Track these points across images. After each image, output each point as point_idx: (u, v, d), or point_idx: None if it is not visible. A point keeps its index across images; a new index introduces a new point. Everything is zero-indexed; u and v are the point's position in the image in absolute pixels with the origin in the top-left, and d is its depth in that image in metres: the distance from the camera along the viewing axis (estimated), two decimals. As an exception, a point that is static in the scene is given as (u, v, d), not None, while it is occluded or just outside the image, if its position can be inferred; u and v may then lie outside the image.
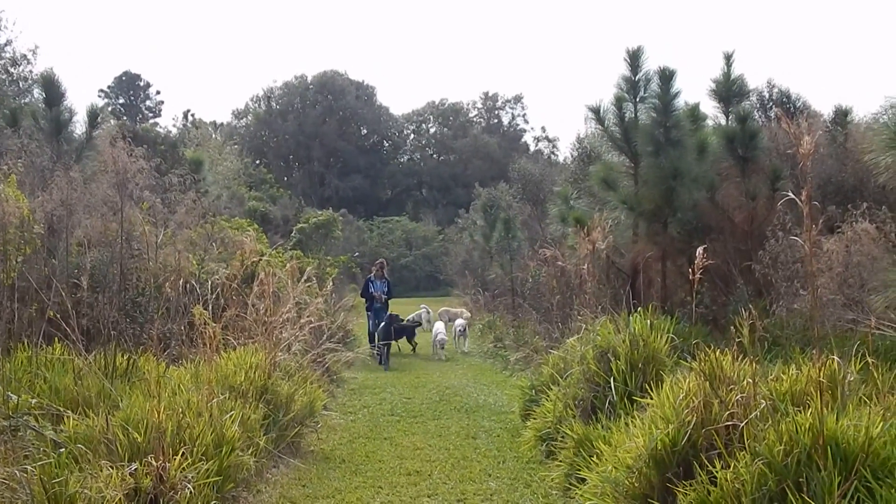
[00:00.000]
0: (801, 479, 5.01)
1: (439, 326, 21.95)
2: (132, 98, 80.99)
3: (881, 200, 11.87)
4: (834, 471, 4.91)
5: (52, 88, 15.87)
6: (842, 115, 16.15)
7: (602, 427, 7.65)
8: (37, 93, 18.42)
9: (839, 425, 5.19)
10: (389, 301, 21.02)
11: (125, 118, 58.53)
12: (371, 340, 20.26)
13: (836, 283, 10.56)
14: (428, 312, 25.84)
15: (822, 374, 5.55)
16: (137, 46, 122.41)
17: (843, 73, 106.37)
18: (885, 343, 8.63)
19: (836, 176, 14.32)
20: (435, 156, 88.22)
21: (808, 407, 5.42)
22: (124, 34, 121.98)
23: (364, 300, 21.37)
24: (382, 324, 19.79)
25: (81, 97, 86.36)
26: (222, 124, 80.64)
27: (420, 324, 23.77)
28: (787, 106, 18.54)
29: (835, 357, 5.95)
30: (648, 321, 8.74)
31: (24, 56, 20.99)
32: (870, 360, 5.87)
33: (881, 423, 5.15)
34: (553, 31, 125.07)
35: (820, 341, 6.02)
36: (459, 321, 23.07)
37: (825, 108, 31.32)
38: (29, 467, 5.41)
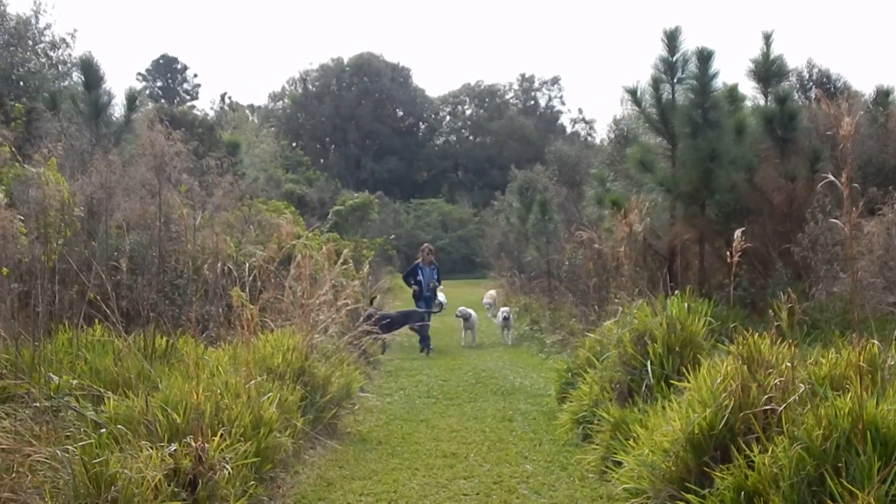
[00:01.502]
0: (839, 464, 4.97)
1: (505, 310, 20.46)
2: (170, 81, 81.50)
3: (923, 182, 11.73)
4: (874, 455, 4.87)
5: (90, 72, 16.02)
6: (883, 95, 15.94)
7: (639, 410, 7.63)
8: (76, 76, 18.61)
9: (879, 410, 5.14)
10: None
11: (163, 101, 58.81)
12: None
13: (877, 266, 10.46)
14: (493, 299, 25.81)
15: (861, 357, 5.49)
16: (175, 29, 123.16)
17: (884, 53, 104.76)
18: (926, 326, 8.53)
19: (877, 157, 14.14)
20: (471, 138, 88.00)
21: (848, 391, 5.37)
22: (162, 17, 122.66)
23: (408, 286, 20.05)
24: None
25: (120, 80, 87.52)
26: (259, 107, 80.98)
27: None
28: (826, 86, 18.30)
29: (875, 341, 5.89)
30: (686, 304, 8.69)
31: (63, 40, 21.07)
32: (911, 343, 5.81)
33: (922, 408, 5.10)
34: (590, 11, 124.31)
35: (860, 325, 5.97)
36: (503, 308, 21.04)
37: (866, 88, 30.97)
38: (70, 447, 5.47)
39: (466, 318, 19.71)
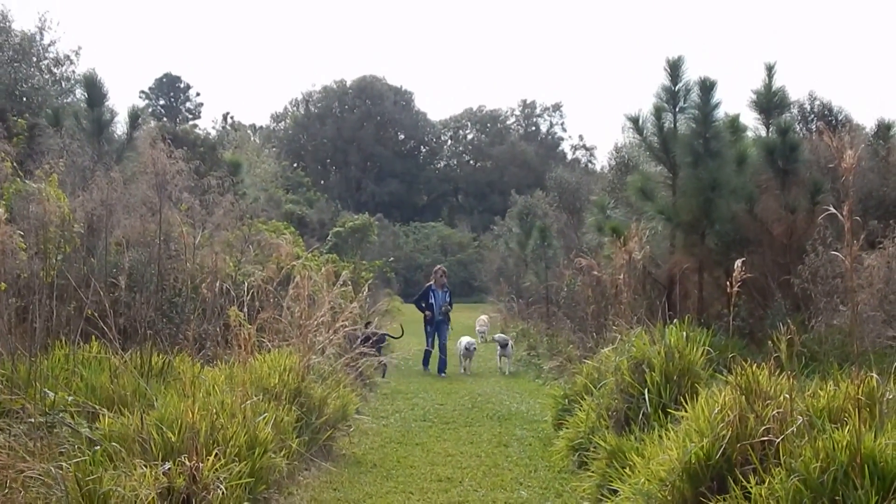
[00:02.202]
0: (837, 497, 4.95)
1: (502, 338, 19.50)
2: (172, 100, 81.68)
3: (924, 216, 11.74)
4: (871, 489, 4.85)
5: (94, 89, 16.05)
6: (884, 129, 15.99)
7: (635, 439, 7.60)
8: (79, 93, 18.65)
9: (877, 443, 5.13)
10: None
11: (165, 119, 59.07)
12: (426, 361, 18.98)
13: (877, 300, 10.45)
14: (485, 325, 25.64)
15: (860, 391, 5.48)
16: (178, 48, 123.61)
17: (885, 87, 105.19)
18: (926, 361, 8.50)
19: (878, 190, 14.17)
20: (471, 162, 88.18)
21: (846, 424, 5.35)
22: (166, 36, 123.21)
23: (420, 311, 19.22)
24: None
25: (123, 98, 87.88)
26: (261, 127, 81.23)
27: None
28: (828, 119, 18.35)
29: (874, 374, 5.87)
30: (684, 333, 8.68)
31: (68, 56, 21.20)
32: (909, 377, 5.79)
33: (920, 443, 5.08)
34: (592, 39, 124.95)
35: (859, 357, 5.95)
36: (499, 336, 20.08)
37: (867, 122, 31.04)
38: (64, 464, 5.46)
39: (504, 345, 18.91)
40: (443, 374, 18.26)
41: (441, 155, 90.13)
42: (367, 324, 17.05)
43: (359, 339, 12.74)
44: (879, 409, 5.76)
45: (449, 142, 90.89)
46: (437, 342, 18.82)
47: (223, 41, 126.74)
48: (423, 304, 19.01)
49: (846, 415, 5.60)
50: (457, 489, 8.28)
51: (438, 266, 21.11)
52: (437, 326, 18.87)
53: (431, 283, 19.33)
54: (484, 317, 25.83)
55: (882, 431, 5.31)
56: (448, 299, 19.13)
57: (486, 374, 18.34)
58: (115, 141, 16.19)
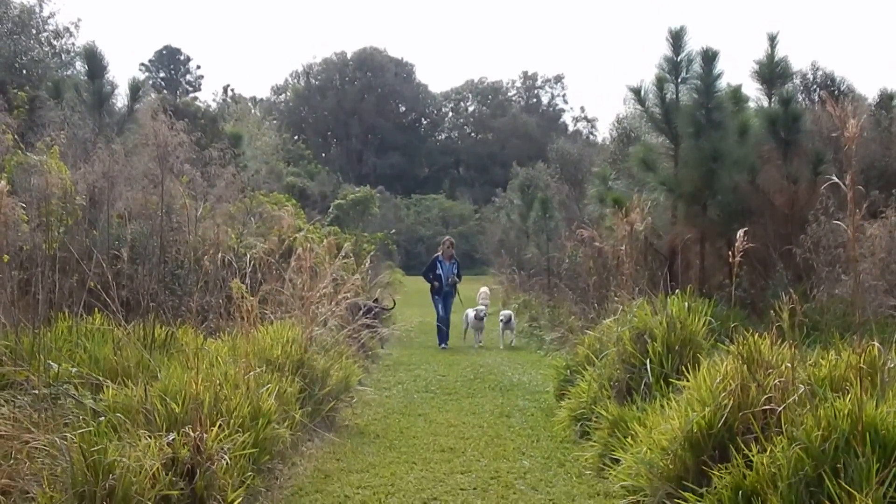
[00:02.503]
0: (838, 465, 4.97)
1: (506, 313, 19.08)
2: (172, 72, 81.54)
3: (926, 186, 11.74)
4: (872, 457, 4.86)
5: (94, 61, 16.04)
6: (887, 99, 15.97)
7: (637, 408, 7.62)
8: (79, 65, 18.61)
9: (878, 412, 5.14)
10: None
11: (165, 92, 58.89)
12: (440, 332, 18.45)
13: (879, 269, 10.46)
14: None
15: (862, 359, 5.49)
16: (178, 21, 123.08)
17: (888, 57, 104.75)
18: (927, 330, 8.53)
19: (880, 160, 14.15)
20: (473, 134, 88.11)
21: (847, 393, 5.36)
22: (165, 8, 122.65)
23: (428, 282, 18.96)
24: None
25: (123, 70, 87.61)
26: (261, 100, 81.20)
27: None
28: (831, 89, 18.31)
29: (875, 343, 5.88)
30: (686, 303, 8.68)
31: (67, 29, 21.09)
32: (911, 346, 5.81)
33: (921, 411, 5.10)
34: (594, 10, 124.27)
35: (861, 327, 5.96)
36: (505, 312, 19.43)
37: (870, 92, 30.95)
38: (69, 435, 5.47)
39: (506, 320, 18.66)
40: (444, 346, 18.18)
41: (442, 127, 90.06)
42: (376, 300, 16.99)
43: (360, 311, 12.74)
44: (881, 378, 5.77)
45: (450, 114, 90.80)
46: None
47: (223, 13, 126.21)
48: (431, 276, 18.84)
49: (848, 383, 5.61)
50: (459, 459, 8.32)
51: (446, 237, 20.78)
52: (444, 298, 18.68)
53: (439, 253, 19.16)
54: (485, 288, 25.65)
55: (883, 400, 5.33)
56: (455, 270, 18.88)
57: (488, 346, 18.35)
58: (116, 113, 16.20)
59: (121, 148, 12.00)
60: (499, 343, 18.63)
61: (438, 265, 18.78)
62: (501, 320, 18.72)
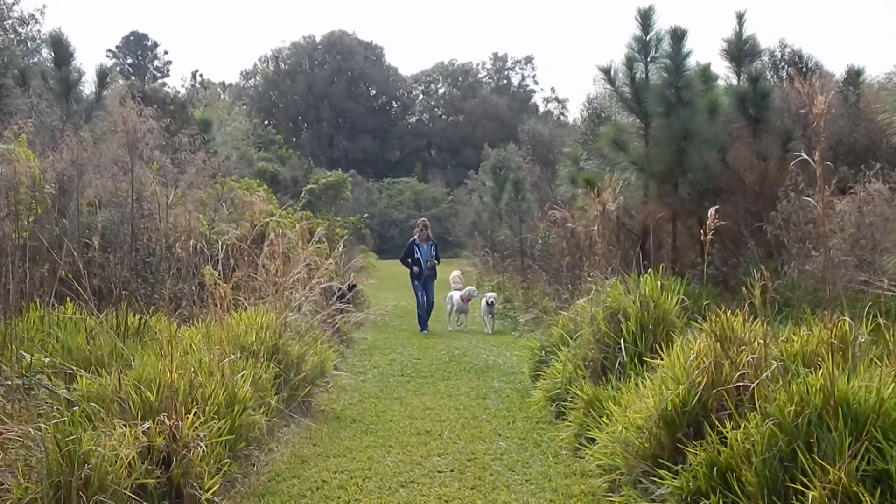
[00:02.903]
0: (811, 440, 5.01)
1: (490, 296, 18.21)
2: (140, 58, 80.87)
3: (894, 161, 11.83)
4: (845, 431, 4.91)
5: (60, 48, 15.88)
6: (854, 76, 16.06)
7: (612, 388, 7.66)
8: (45, 53, 18.34)
9: (850, 386, 5.19)
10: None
11: (133, 78, 58.40)
12: (421, 317, 18.14)
13: (848, 244, 10.54)
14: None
15: (833, 335, 5.54)
16: (145, 6, 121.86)
17: (855, 33, 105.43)
18: (897, 304, 8.61)
19: (849, 136, 14.25)
20: (444, 117, 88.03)
21: (819, 368, 5.41)
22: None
23: (407, 267, 18.44)
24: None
25: (90, 57, 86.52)
26: (231, 85, 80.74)
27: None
28: (799, 66, 18.43)
29: (846, 318, 5.94)
30: (659, 282, 8.72)
31: (32, 16, 20.81)
32: (881, 321, 5.87)
33: (892, 384, 5.14)
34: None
35: (831, 302, 6.00)
36: (489, 294, 18.52)
37: (837, 69, 31.18)
38: (43, 425, 5.43)
39: (491, 303, 17.94)
40: (424, 331, 17.84)
41: (413, 110, 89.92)
42: (353, 285, 16.90)
43: (335, 295, 12.72)
44: (852, 353, 5.82)
45: (421, 96, 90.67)
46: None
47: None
48: (409, 261, 18.36)
49: (819, 359, 5.67)
50: (436, 442, 8.34)
51: (421, 219, 20.30)
52: (425, 281, 18.20)
53: (415, 236, 18.63)
54: (456, 272, 25.43)
55: (855, 374, 5.37)
56: (434, 252, 18.41)
57: (471, 329, 18.35)
58: (84, 100, 16.05)
59: (89, 135, 11.90)
60: (484, 328, 18.12)
61: (416, 248, 18.30)
62: (488, 302, 18.01)
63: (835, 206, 10.70)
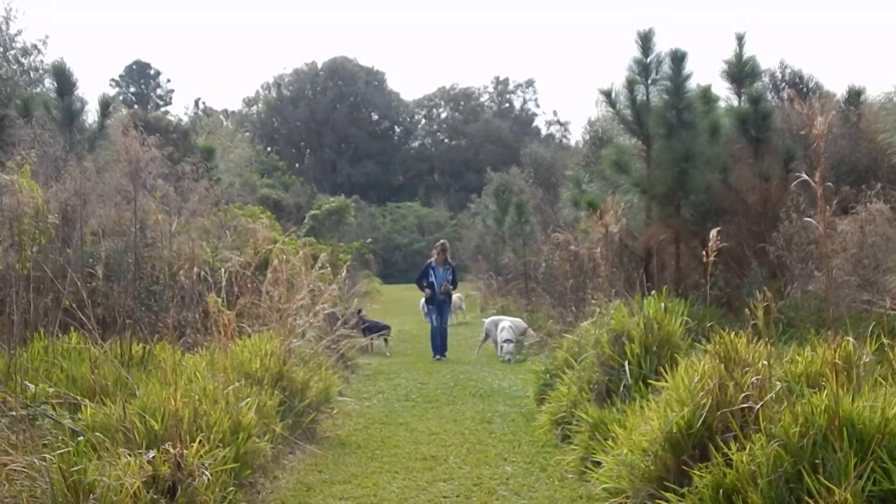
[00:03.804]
0: (816, 461, 5.01)
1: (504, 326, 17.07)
2: (143, 87, 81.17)
3: (895, 180, 11.83)
4: (850, 452, 4.91)
5: (63, 78, 15.93)
6: (855, 95, 16.09)
7: (617, 410, 7.65)
8: (48, 83, 18.44)
9: (855, 406, 5.19)
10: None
11: (136, 107, 58.64)
12: (435, 343, 17.52)
13: (851, 264, 10.54)
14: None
15: (837, 355, 5.54)
16: (148, 35, 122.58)
17: (856, 54, 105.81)
18: (901, 323, 8.60)
19: (850, 156, 14.26)
20: (446, 141, 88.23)
21: (824, 388, 5.41)
22: (134, 23, 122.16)
23: (421, 289, 18.03)
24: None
25: (93, 86, 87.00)
26: (233, 112, 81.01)
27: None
28: (799, 86, 18.50)
29: (850, 338, 5.94)
30: (662, 304, 8.73)
31: (35, 46, 20.98)
32: (885, 340, 5.87)
33: (897, 404, 5.15)
34: (565, 14, 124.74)
35: (835, 322, 6.01)
36: (505, 323, 17.35)
37: (838, 89, 31.24)
38: (48, 456, 5.44)
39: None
40: (443, 358, 17.30)
41: (415, 134, 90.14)
42: (359, 310, 16.96)
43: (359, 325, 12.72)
44: (856, 373, 5.82)
45: (423, 121, 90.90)
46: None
47: (192, 26, 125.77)
48: (424, 283, 17.77)
49: (824, 379, 5.66)
50: (441, 467, 8.32)
51: (441, 241, 19.17)
52: (438, 306, 17.58)
53: (432, 259, 18.01)
54: (457, 296, 25.02)
55: (859, 394, 5.37)
56: (450, 277, 17.73)
57: (468, 352, 18.29)
58: (87, 130, 16.09)
59: (92, 165, 11.93)
60: (498, 357, 17.01)
61: (431, 272, 17.66)
62: (502, 335, 16.80)
63: (837, 226, 10.72)
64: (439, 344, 17.58)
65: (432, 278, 17.57)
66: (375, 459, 8.72)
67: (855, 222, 10.82)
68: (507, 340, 16.52)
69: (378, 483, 7.76)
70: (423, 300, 19.37)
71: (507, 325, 17.07)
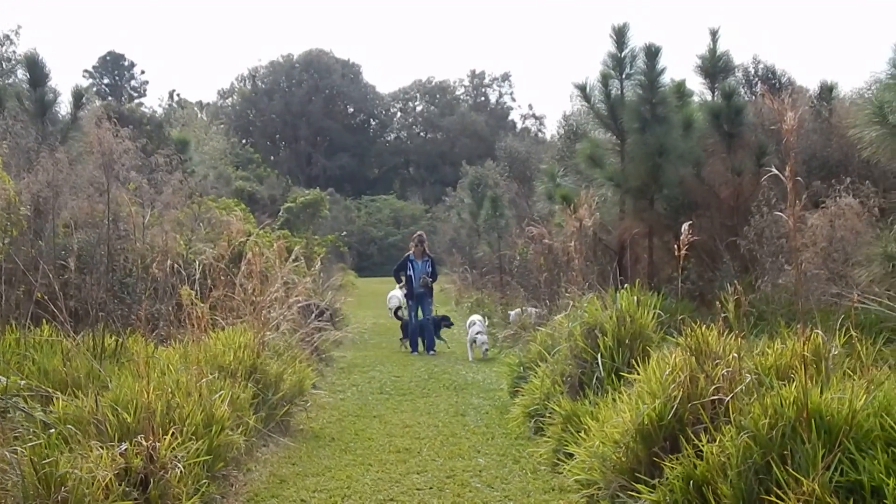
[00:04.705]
0: (785, 452, 5.06)
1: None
2: (117, 78, 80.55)
3: (865, 175, 11.96)
4: (818, 443, 4.96)
5: (36, 69, 15.81)
6: (827, 91, 16.21)
7: (589, 403, 7.69)
8: (21, 74, 18.28)
9: (823, 398, 5.24)
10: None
11: (110, 98, 58.20)
12: (413, 338, 17.34)
13: (821, 258, 10.64)
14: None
15: (806, 348, 5.59)
16: (122, 26, 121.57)
17: (828, 49, 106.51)
18: (869, 317, 8.70)
19: (821, 151, 14.37)
20: (422, 134, 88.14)
21: (793, 380, 5.47)
22: (108, 13, 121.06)
23: (398, 282, 17.95)
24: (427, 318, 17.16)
25: (66, 78, 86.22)
26: (208, 104, 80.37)
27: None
28: (772, 82, 18.61)
29: (819, 331, 5.99)
30: (635, 297, 8.77)
31: (7, 36, 20.85)
32: (853, 333, 5.92)
33: (864, 396, 5.19)
34: (541, 8, 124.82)
35: (804, 316, 6.08)
36: (474, 317, 17.08)
37: (811, 84, 31.46)
38: (19, 448, 5.41)
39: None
40: (432, 353, 17.07)
41: (391, 127, 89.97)
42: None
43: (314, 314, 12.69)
44: (825, 365, 5.88)
45: (399, 114, 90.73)
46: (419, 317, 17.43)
47: (167, 17, 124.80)
48: (402, 276, 17.56)
49: (793, 371, 5.71)
50: (415, 459, 8.34)
51: (418, 232, 19.17)
52: (418, 300, 17.30)
53: (410, 252, 17.60)
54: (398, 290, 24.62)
55: (828, 387, 5.43)
56: (429, 269, 17.39)
57: (441, 345, 18.28)
58: (60, 121, 15.98)
59: (65, 156, 11.85)
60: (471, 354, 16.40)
61: (410, 265, 17.32)
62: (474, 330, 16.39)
63: (807, 220, 10.81)
64: (426, 339, 17.32)
65: (410, 271, 17.30)
66: (349, 452, 8.72)
67: (825, 216, 10.92)
68: (479, 332, 16.31)
69: (351, 475, 7.77)
70: (391, 294, 19.21)
71: (476, 318, 16.99)
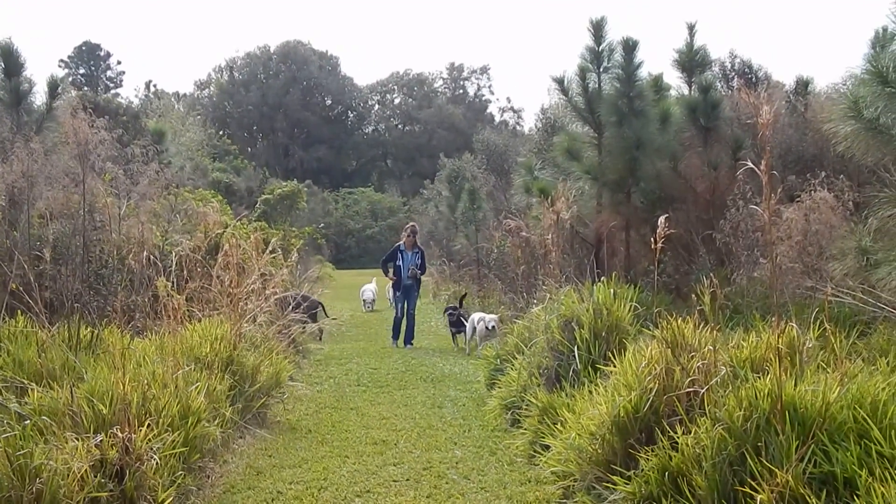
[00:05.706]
0: (759, 444, 5.11)
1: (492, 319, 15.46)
2: (92, 68, 79.98)
3: (840, 169, 12.05)
4: (792, 435, 5.01)
5: (10, 59, 15.64)
6: (803, 86, 16.32)
7: (566, 395, 7.73)
8: (-6, 64, 18.14)
9: (797, 391, 5.29)
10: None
11: (86, 89, 57.71)
12: (396, 330, 17.16)
13: (796, 252, 10.72)
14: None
15: (780, 340, 5.64)
16: (98, 15, 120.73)
17: (804, 44, 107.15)
18: (843, 310, 8.76)
19: (797, 145, 14.48)
20: (400, 126, 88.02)
21: (767, 373, 5.51)
22: (84, 3, 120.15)
23: (385, 273, 17.62)
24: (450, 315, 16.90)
25: (41, 68, 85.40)
26: (185, 95, 79.93)
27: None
28: (748, 76, 18.69)
29: (793, 324, 6.05)
30: (612, 290, 8.82)
31: (-19, 26, 20.68)
32: (827, 326, 5.96)
33: (838, 389, 5.25)
34: (519, 1, 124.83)
35: (779, 309, 6.12)
36: (490, 317, 15.56)
37: (787, 79, 31.65)
38: (-7, 440, 5.39)
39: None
40: (409, 346, 17.04)
41: (369, 120, 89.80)
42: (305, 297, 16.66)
43: (290, 306, 12.68)
44: (799, 358, 5.93)
45: (376, 106, 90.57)
46: (405, 309, 17.16)
47: (144, 7, 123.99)
48: (390, 266, 17.21)
49: (768, 364, 5.76)
50: (392, 451, 8.35)
51: (410, 223, 18.79)
52: (405, 292, 17.03)
53: (401, 242, 17.32)
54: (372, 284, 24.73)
55: (802, 379, 5.48)
56: (419, 261, 17.11)
57: (418, 338, 18.25)
58: (35, 112, 15.81)
59: (40, 147, 11.76)
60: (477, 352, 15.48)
61: (399, 255, 17.01)
62: (489, 327, 15.20)
63: (782, 214, 10.89)
64: (405, 331, 17.15)
65: (399, 262, 17.02)
66: (326, 444, 8.72)
67: (800, 210, 11.00)
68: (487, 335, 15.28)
69: (328, 467, 7.77)
70: (364, 287, 19.05)
71: (492, 318, 15.87)
